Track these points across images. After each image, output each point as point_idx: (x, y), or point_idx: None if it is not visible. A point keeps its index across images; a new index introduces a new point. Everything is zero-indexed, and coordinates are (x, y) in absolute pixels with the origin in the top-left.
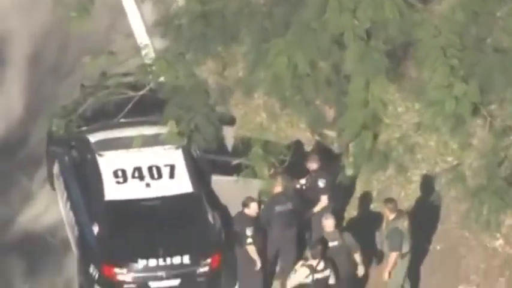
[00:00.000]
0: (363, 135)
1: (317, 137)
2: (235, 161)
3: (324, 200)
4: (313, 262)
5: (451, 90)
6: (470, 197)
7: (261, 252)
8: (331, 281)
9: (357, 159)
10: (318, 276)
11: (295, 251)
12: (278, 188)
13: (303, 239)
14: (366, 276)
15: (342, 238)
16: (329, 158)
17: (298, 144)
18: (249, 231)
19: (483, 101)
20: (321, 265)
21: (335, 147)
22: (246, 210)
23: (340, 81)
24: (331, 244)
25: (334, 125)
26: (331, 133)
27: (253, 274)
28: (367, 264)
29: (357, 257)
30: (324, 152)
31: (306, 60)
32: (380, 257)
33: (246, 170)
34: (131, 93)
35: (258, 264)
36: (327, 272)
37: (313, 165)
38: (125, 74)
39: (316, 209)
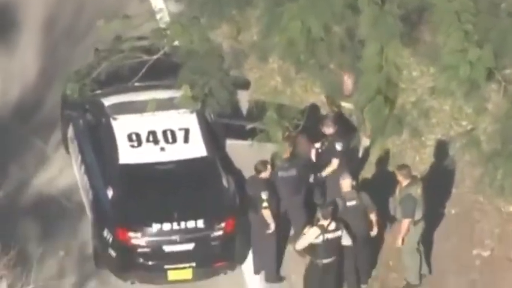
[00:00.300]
0: (377, 100)
1: (335, 109)
2: (249, 126)
3: (334, 163)
4: (324, 222)
5: (466, 55)
6: (484, 162)
7: (275, 216)
8: (347, 242)
9: (372, 124)
10: (328, 236)
11: (304, 217)
12: (286, 154)
13: (313, 205)
14: (381, 239)
15: (360, 198)
16: (345, 124)
17: (313, 108)
18: (264, 195)
19: (498, 65)
20: (333, 225)
21: (353, 120)
22: (261, 174)
23: (354, 46)
24: (348, 204)
25: (351, 97)
26: (348, 105)
27: (267, 238)
28: (381, 226)
29: (373, 217)
30: (339, 118)
31: (319, 24)
32: (393, 223)
33: (260, 134)
34: (145, 57)
35: (272, 228)
36: (339, 233)
37: (329, 129)
38: (139, 38)
39: (326, 172)
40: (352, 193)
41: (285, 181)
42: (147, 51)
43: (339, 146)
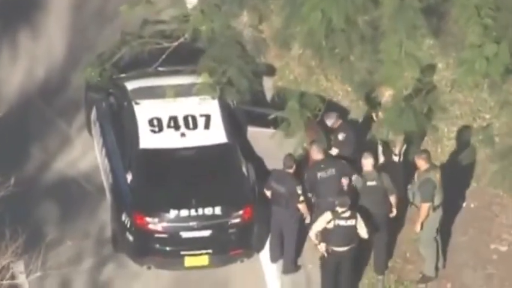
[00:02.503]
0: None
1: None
2: (271, 115)
3: (333, 151)
4: (339, 209)
5: (483, 50)
6: (498, 159)
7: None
8: (363, 234)
9: (388, 117)
10: (340, 222)
11: None
12: (318, 155)
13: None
14: (399, 229)
15: (380, 179)
16: None
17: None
18: (299, 190)
19: None
20: (347, 213)
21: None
22: (291, 169)
23: (376, 38)
24: (369, 183)
25: None
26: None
27: (291, 231)
28: (400, 213)
29: (393, 199)
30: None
31: (340, 15)
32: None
33: (282, 125)
34: (166, 44)
35: (308, 219)
36: (352, 222)
37: (330, 121)
38: (159, 22)
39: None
40: (372, 173)
41: (327, 181)
42: (169, 37)
43: (340, 136)
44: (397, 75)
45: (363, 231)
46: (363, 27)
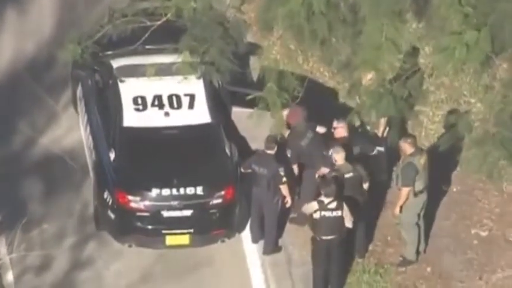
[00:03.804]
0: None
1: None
2: (250, 96)
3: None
4: (325, 200)
5: (463, 37)
6: (475, 145)
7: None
8: (348, 224)
9: (368, 101)
10: (326, 213)
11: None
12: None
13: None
14: (379, 214)
15: (356, 169)
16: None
17: (313, 81)
18: (281, 171)
19: (495, 50)
20: (333, 204)
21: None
22: (273, 150)
23: (357, 21)
24: (346, 176)
25: None
26: None
27: (272, 212)
28: (382, 193)
29: (366, 186)
30: None
31: None
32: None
33: (260, 105)
34: (149, 23)
35: (289, 201)
36: (338, 213)
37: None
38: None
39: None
40: (347, 166)
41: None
42: (152, 15)
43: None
44: (376, 59)
45: (348, 222)
46: (344, 10)
